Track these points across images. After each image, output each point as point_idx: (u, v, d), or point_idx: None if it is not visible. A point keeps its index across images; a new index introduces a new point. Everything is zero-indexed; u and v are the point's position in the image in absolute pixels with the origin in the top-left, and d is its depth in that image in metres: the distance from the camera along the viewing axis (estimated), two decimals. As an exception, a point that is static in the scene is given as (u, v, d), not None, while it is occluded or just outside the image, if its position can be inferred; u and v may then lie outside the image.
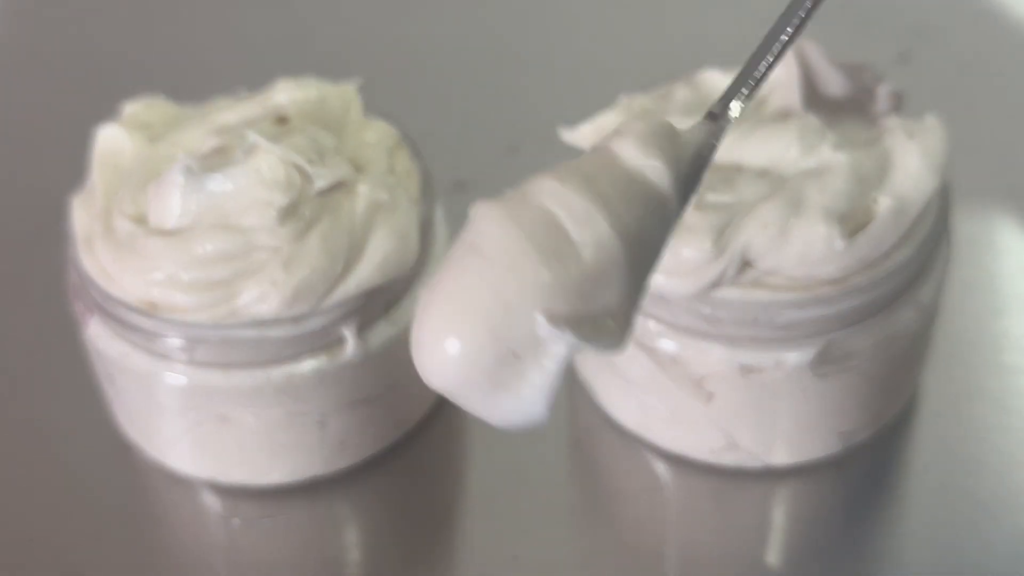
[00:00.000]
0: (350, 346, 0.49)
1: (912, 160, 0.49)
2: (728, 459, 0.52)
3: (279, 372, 0.49)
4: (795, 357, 0.48)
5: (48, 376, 0.57)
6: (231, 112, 0.53)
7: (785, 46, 0.40)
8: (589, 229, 0.36)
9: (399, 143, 0.53)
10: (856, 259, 0.47)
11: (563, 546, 0.52)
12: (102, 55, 0.75)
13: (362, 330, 0.49)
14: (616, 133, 0.38)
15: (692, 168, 0.39)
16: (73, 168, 0.55)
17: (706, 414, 0.51)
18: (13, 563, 0.51)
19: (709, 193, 0.48)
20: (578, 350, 0.35)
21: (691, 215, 0.48)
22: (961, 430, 0.54)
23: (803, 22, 0.40)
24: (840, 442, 0.52)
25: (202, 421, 0.50)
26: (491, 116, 0.68)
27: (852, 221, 0.48)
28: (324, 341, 0.49)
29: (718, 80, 0.53)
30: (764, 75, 0.40)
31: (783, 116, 0.50)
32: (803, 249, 0.47)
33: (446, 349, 0.35)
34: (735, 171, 0.49)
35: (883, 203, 0.48)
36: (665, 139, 0.38)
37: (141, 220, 0.49)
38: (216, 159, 0.50)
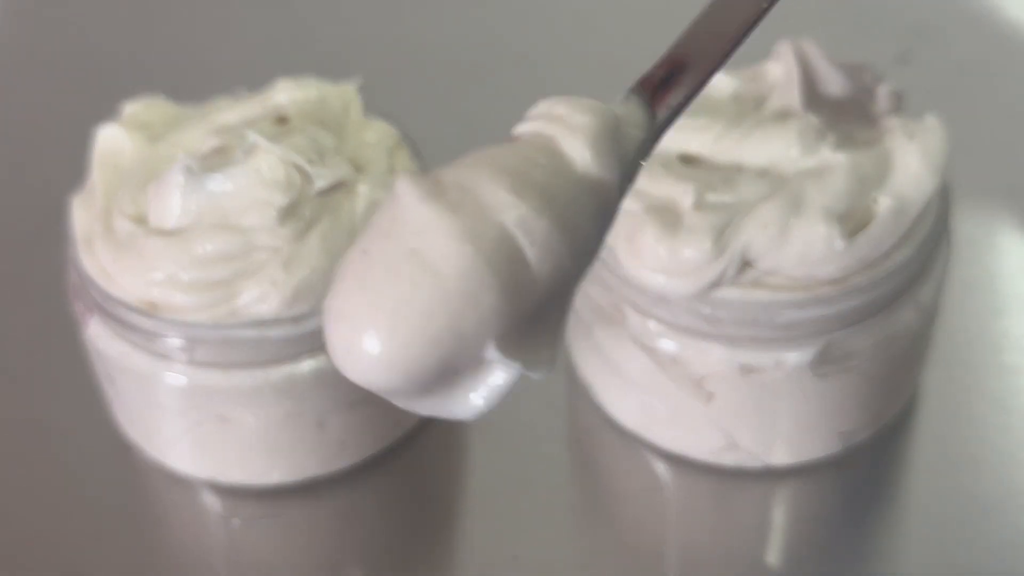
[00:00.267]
0: (350, 346, 0.49)
1: (912, 160, 0.49)
2: (728, 459, 0.52)
3: (279, 372, 0.49)
4: (795, 357, 0.48)
5: (48, 376, 0.57)
6: (231, 112, 0.53)
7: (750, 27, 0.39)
8: (550, 258, 0.34)
9: (399, 143, 0.53)
10: (856, 259, 0.47)
11: (563, 546, 0.52)
12: (102, 55, 0.75)
13: (362, 330, 0.49)
14: (563, 124, 0.35)
15: (633, 168, 0.37)
16: (73, 168, 0.55)
17: (706, 414, 0.51)
18: (13, 563, 0.51)
19: (709, 193, 0.48)
20: (519, 373, 0.34)
21: (691, 215, 0.48)
22: (961, 430, 0.54)
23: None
24: (840, 442, 0.52)
25: (202, 421, 0.50)
26: (491, 116, 0.68)
27: (852, 221, 0.48)
28: (324, 341, 0.49)
29: (718, 80, 0.53)
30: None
31: (783, 116, 0.50)
32: (803, 249, 0.47)
33: (382, 359, 0.33)
34: (735, 171, 0.49)
35: (883, 203, 0.48)
36: (614, 139, 0.36)
37: (141, 220, 0.49)
38: (216, 159, 0.50)
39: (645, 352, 0.50)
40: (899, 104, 0.52)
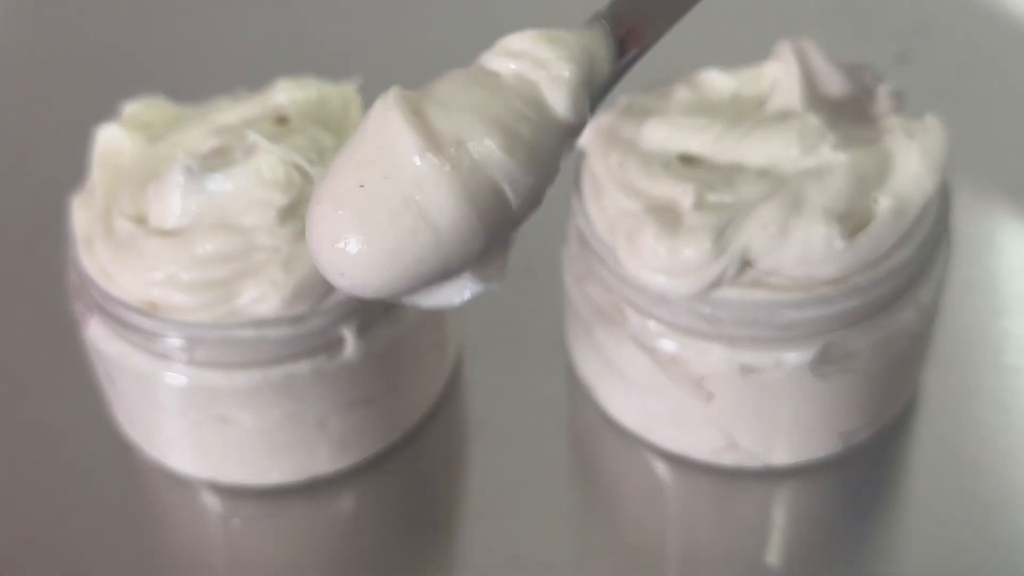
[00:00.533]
0: (350, 346, 0.49)
1: (912, 160, 0.49)
2: (728, 459, 0.52)
3: (279, 372, 0.49)
4: (795, 357, 0.48)
5: (48, 376, 0.57)
6: (231, 112, 0.53)
7: None
8: (528, 203, 0.38)
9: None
10: (856, 259, 0.47)
11: (563, 546, 0.52)
12: (102, 55, 0.75)
13: (362, 330, 0.49)
14: (547, 73, 0.38)
15: (597, 104, 0.40)
16: (73, 168, 0.55)
17: (706, 414, 0.51)
18: (13, 563, 0.51)
19: (709, 193, 0.48)
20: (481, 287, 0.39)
21: (691, 215, 0.48)
22: (961, 430, 0.54)
23: None
24: (840, 442, 0.52)
25: (202, 421, 0.50)
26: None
27: (852, 221, 0.48)
28: (324, 341, 0.49)
29: (718, 80, 0.53)
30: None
31: (783, 116, 0.50)
32: (803, 249, 0.47)
33: (376, 291, 0.37)
34: (735, 171, 0.49)
35: (883, 203, 0.48)
36: (589, 83, 0.39)
37: (141, 220, 0.50)
38: (216, 159, 0.50)
39: (645, 352, 0.50)
40: (899, 104, 0.52)
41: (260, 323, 0.48)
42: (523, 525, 0.52)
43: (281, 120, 0.53)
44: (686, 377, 0.50)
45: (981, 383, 0.56)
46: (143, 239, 0.49)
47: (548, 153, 0.38)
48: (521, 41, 0.38)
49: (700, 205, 0.48)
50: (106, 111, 0.54)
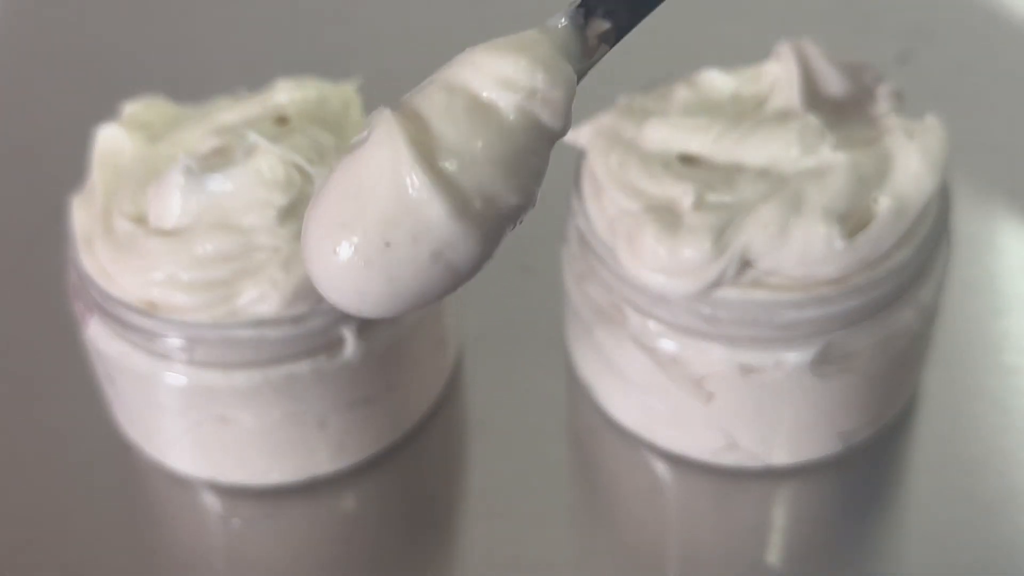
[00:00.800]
0: (349, 346, 0.49)
1: (912, 160, 0.49)
2: (728, 459, 0.52)
3: (278, 372, 0.49)
4: (795, 357, 0.48)
5: (48, 376, 0.57)
6: (231, 112, 0.53)
7: None
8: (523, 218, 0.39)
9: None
10: (856, 259, 0.47)
11: (563, 546, 0.52)
12: (102, 55, 0.75)
13: (361, 330, 0.49)
14: (544, 102, 0.38)
15: None
16: (73, 168, 0.55)
17: (706, 414, 0.51)
18: (13, 563, 0.51)
19: (709, 193, 0.48)
20: None
21: (691, 215, 0.48)
22: (961, 430, 0.54)
23: None
24: (840, 442, 0.52)
25: (202, 421, 0.50)
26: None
27: (852, 221, 0.48)
28: (324, 341, 0.49)
29: (718, 80, 0.53)
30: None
31: (783, 116, 0.50)
32: (803, 249, 0.47)
33: (391, 315, 0.38)
34: (735, 171, 0.49)
35: (883, 203, 0.48)
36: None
37: (141, 220, 0.50)
38: (216, 159, 0.50)
39: (645, 352, 0.50)
40: (899, 104, 0.52)
41: (260, 323, 0.48)
42: (523, 525, 0.52)
43: (281, 120, 0.53)
44: (686, 377, 0.50)
45: (981, 383, 0.56)
46: (143, 239, 0.49)
47: (545, 167, 0.39)
48: (505, 64, 0.38)
49: (700, 205, 0.48)
50: (106, 111, 0.54)
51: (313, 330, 0.48)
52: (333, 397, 0.50)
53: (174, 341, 0.48)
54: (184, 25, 0.77)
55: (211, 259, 0.48)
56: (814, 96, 0.51)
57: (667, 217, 0.48)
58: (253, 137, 0.50)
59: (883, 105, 0.52)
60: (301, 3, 0.78)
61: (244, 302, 0.48)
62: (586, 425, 0.55)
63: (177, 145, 0.52)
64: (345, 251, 0.37)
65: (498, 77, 0.38)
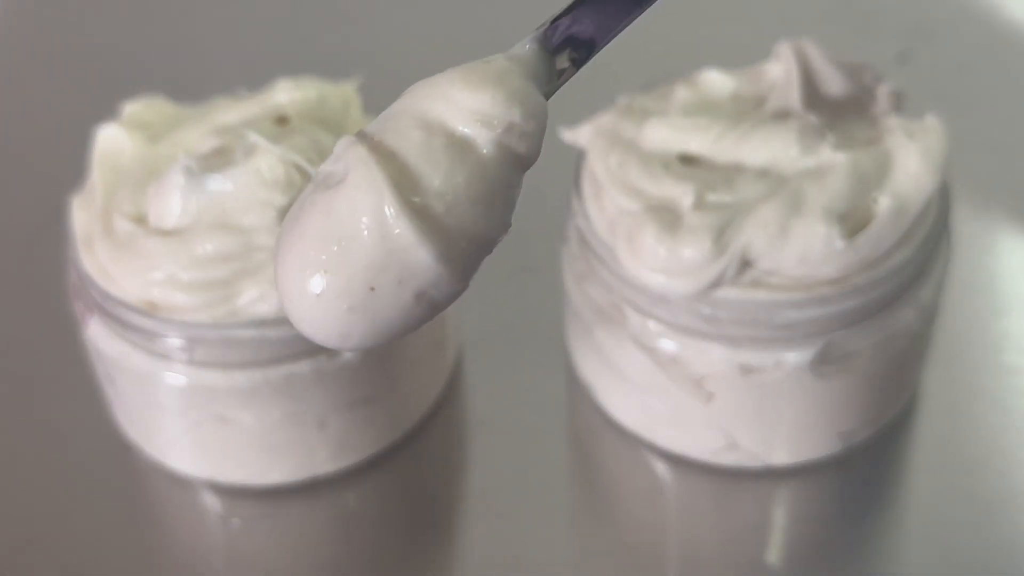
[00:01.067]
0: (350, 346, 0.49)
1: (912, 160, 0.49)
2: (728, 459, 0.52)
3: (278, 372, 0.49)
4: (795, 357, 0.48)
5: (48, 376, 0.57)
6: (231, 112, 0.53)
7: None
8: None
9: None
10: (856, 259, 0.47)
11: (563, 546, 0.52)
12: (102, 55, 0.75)
13: (362, 330, 0.49)
14: (523, 136, 0.38)
15: None
16: (73, 168, 0.55)
17: (706, 414, 0.51)
18: (13, 563, 0.51)
19: (709, 193, 0.48)
20: None
21: (691, 215, 0.48)
22: (961, 430, 0.54)
23: None
24: (840, 442, 0.52)
25: (202, 421, 0.50)
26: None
27: (852, 221, 0.48)
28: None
29: (718, 80, 0.53)
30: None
31: (783, 116, 0.50)
32: (803, 249, 0.47)
33: (341, 335, 0.38)
34: (735, 171, 0.49)
35: (883, 203, 0.48)
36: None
37: (141, 220, 0.50)
38: (216, 159, 0.50)
39: (645, 352, 0.50)
40: (899, 104, 0.52)
41: (260, 323, 0.48)
42: (523, 525, 0.52)
43: (281, 120, 0.53)
44: (686, 377, 0.50)
45: (981, 383, 0.56)
46: (143, 239, 0.49)
47: (518, 195, 0.39)
48: (482, 100, 0.38)
49: (700, 205, 0.48)
50: (106, 111, 0.54)
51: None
52: (333, 397, 0.50)
53: (174, 341, 0.48)
54: (184, 25, 0.77)
55: (211, 259, 0.48)
56: (814, 96, 0.51)
57: (667, 217, 0.48)
58: (253, 137, 0.50)
59: (883, 105, 0.52)
60: (301, 3, 0.78)
61: (244, 302, 0.48)
62: (586, 425, 0.55)
63: (177, 145, 0.52)
64: (328, 296, 0.37)
65: (474, 113, 0.37)
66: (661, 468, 0.53)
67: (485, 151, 0.37)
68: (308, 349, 0.49)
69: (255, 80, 0.55)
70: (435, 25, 0.75)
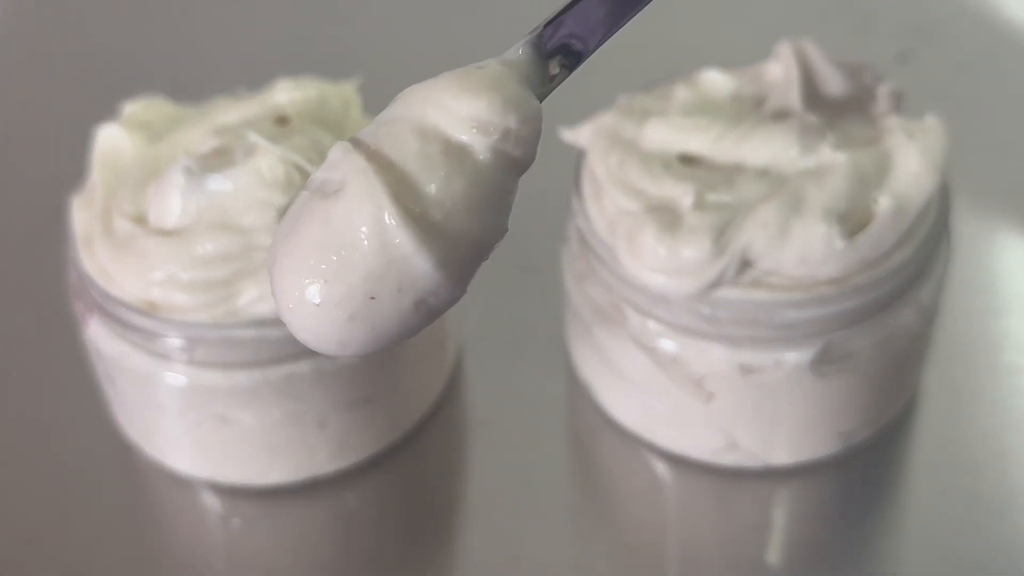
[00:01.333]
0: (350, 346, 0.49)
1: (912, 160, 0.49)
2: (728, 459, 0.52)
3: (278, 372, 0.49)
4: (795, 357, 0.48)
5: (48, 376, 0.57)
6: (231, 112, 0.53)
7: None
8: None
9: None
10: (856, 259, 0.47)
11: (563, 546, 0.52)
12: (102, 55, 0.75)
13: (362, 330, 0.49)
14: (517, 141, 0.38)
15: None
16: (73, 168, 0.55)
17: (706, 414, 0.51)
18: (13, 563, 0.51)
19: (709, 193, 0.48)
20: None
21: (691, 215, 0.48)
22: (961, 430, 0.54)
23: None
24: (840, 442, 0.52)
25: (202, 421, 0.50)
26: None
27: (852, 221, 0.48)
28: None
29: (718, 80, 0.53)
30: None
31: (783, 116, 0.50)
32: (803, 249, 0.47)
33: (341, 343, 0.37)
34: (735, 171, 0.49)
35: (883, 203, 0.48)
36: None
37: (141, 220, 0.50)
38: (216, 159, 0.50)
39: (645, 352, 0.50)
40: (899, 104, 0.52)
41: (260, 323, 0.48)
42: (523, 525, 0.52)
43: (281, 120, 0.53)
44: (686, 377, 0.50)
45: (981, 383, 0.56)
46: (143, 239, 0.49)
47: (514, 199, 0.39)
48: (478, 106, 0.37)
49: (700, 205, 0.48)
50: (106, 111, 0.54)
51: (313, 330, 0.48)
52: (333, 397, 0.50)
53: (174, 341, 0.48)
54: (184, 25, 0.77)
55: (211, 259, 0.48)
56: (814, 96, 0.51)
57: (667, 217, 0.48)
58: (253, 137, 0.50)
59: (883, 105, 0.52)
60: (301, 3, 0.78)
61: (244, 302, 0.48)
62: (586, 425, 0.55)
63: (177, 145, 0.52)
64: (328, 305, 0.37)
65: (471, 119, 0.37)
66: (661, 468, 0.53)
67: (482, 157, 0.37)
68: (308, 349, 0.48)
69: (255, 80, 0.55)
70: (435, 25, 0.75)
